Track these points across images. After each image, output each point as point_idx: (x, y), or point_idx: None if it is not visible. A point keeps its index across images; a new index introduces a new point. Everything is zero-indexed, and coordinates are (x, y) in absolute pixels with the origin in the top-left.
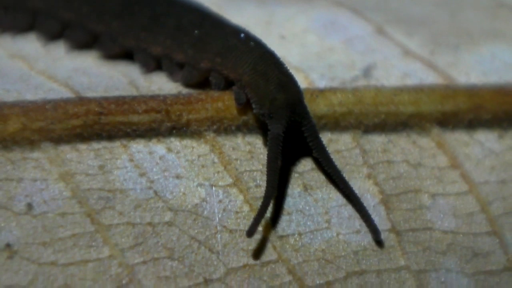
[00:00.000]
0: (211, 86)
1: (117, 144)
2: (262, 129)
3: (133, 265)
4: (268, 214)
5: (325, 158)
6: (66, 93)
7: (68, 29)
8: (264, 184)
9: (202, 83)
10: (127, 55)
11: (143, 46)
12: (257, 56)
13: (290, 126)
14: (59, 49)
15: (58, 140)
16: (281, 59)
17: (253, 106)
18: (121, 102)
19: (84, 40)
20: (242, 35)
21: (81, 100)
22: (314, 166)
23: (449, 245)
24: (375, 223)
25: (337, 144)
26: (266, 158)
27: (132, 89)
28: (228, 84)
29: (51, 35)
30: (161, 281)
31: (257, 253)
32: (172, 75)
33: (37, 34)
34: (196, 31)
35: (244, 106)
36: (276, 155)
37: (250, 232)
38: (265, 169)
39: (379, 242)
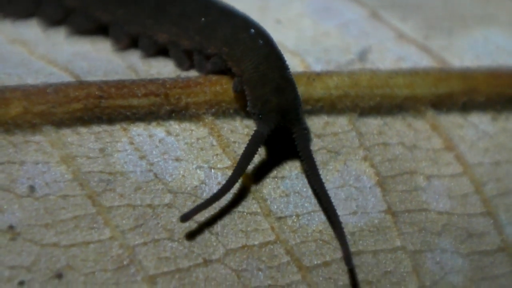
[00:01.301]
0: (208, 67)
1: (117, 127)
2: None
3: (134, 246)
4: (266, 195)
5: (313, 171)
6: (66, 77)
7: (71, 16)
8: (262, 165)
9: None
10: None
11: (149, 33)
12: (262, 56)
13: (279, 131)
14: (58, 34)
15: (59, 123)
16: (286, 63)
17: (248, 104)
18: (121, 86)
19: (87, 27)
20: (253, 30)
21: (82, 84)
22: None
23: (444, 225)
24: (349, 251)
25: (334, 127)
26: (264, 141)
27: (132, 73)
28: (225, 68)
29: (53, 21)
30: (161, 262)
31: (255, 234)
32: (180, 63)
33: (39, 19)
34: (203, 18)
35: (241, 91)
36: (251, 154)
37: (186, 217)
38: (262, 151)
39: (351, 270)
